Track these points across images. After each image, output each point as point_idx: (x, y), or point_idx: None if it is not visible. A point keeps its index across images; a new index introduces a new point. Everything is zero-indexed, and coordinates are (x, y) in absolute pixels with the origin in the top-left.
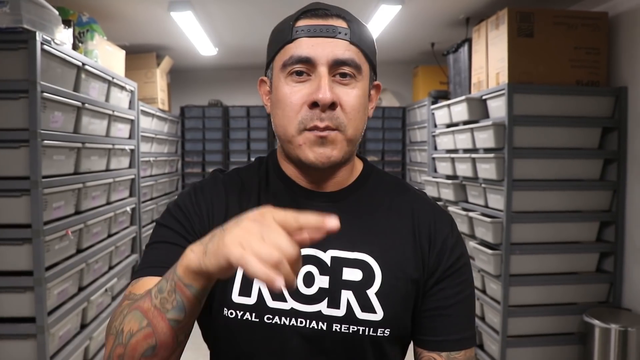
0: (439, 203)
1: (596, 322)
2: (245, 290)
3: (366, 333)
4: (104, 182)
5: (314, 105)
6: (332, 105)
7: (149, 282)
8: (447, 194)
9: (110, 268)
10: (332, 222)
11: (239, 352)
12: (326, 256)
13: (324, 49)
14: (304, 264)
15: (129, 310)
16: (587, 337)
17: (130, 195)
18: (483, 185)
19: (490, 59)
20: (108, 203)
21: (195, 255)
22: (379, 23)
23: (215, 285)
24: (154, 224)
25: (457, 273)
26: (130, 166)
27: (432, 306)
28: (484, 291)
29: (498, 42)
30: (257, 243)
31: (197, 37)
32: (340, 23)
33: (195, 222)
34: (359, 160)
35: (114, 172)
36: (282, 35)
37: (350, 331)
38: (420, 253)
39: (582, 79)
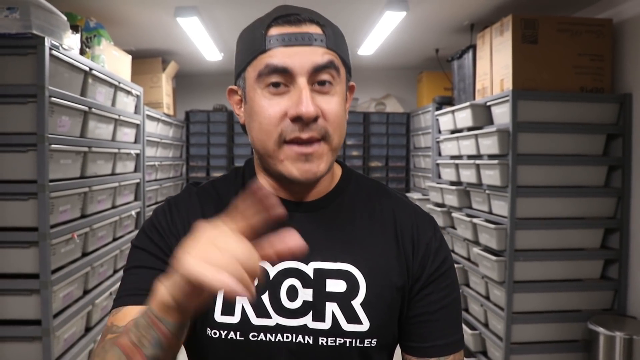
0: (443, 209)
1: (601, 329)
2: (228, 309)
3: (353, 345)
4: (110, 186)
5: (296, 119)
6: (315, 118)
7: (130, 312)
8: (451, 200)
9: (115, 272)
10: (293, 238)
11: None
12: (308, 268)
13: (301, 58)
14: (286, 278)
15: (110, 346)
16: (592, 344)
17: (136, 199)
18: (487, 191)
19: (494, 65)
20: (113, 207)
21: (165, 288)
22: (384, 29)
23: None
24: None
25: (442, 277)
26: (136, 170)
27: (419, 312)
28: (487, 297)
29: (502, 48)
30: (213, 253)
31: (202, 42)
32: (314, 29)
33: (172, 241)
34: (337, 165)
35: (120, 176)
36: (254, 44)
37: (337, 343)
38: (404, 259)
39: (586, 85)
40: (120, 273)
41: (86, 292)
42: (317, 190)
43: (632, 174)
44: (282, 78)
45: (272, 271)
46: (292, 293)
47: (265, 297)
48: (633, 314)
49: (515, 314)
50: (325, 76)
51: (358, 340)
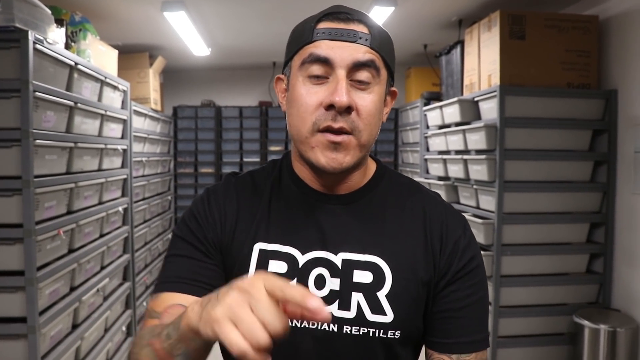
0: None
1: (586, 322)
2: None
3: (376, 335)
4: (96, 182)
5: (330, 107)
6: (348, 109)
7: (167, 298)
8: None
9: (102, 268)
10: (314, 303)
11: None
12: (337, 259)
13: (343, 52)
14: (315, 267)
15: (146, 343)
16: (577, 337)
17: (123, 195)
18: (475, 186)
19: (482, 61)
20: (100, 203)
21: (194, 315)
22: None
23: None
24: (165, 229)
25: (469, 275)
26: (123, 166)
27: (444, 308)
28: None
29: (490, 44)
30: (246, 316)
31: (190, 37)
32: (361, 28)
33: (209, 230)
34: (372, 161)
35: (106, 172)
36: (303, 35)
37: (361, 333)
38: (431, 254)
39: (572, 81)
40: (108, 269)
41: (73, 288)
42: (350, 184)
43: (617, 169)
44: (322, 69)
45: (302, 260)
46: (320, 281)
47: (293, 284)
48: (617, 307)
49: (502, 308)
50: (364, 74)
51: (382, 331)
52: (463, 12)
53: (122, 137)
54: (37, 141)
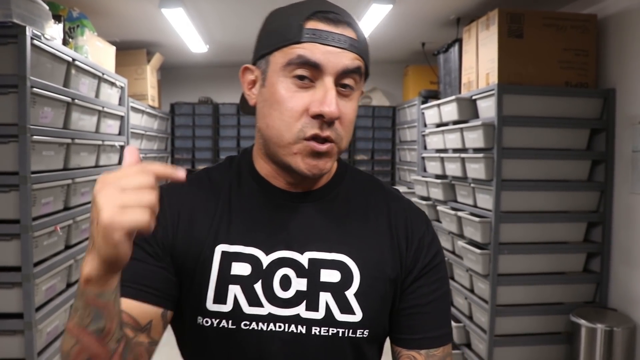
0: (428, 202)
1: (582, 321)
2: (220, 298)
3: (346, 335)
4: (94, 179)
5: (318, 117)
6: (335, 119)
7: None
8: (436, 193)
9: None
10: (179, 173)
11: (214, 357)
12: (303, 258)
13: (334, 58)
14: (280, 267)
15: (65, 332)
16: (574, 336)
17: None
18: (472, 185)
19: (480, 59)
20: None
21: (88, 264)
22: (370, 22)
23: (188, 293)
24: None
25: (434, 270)
26: (120, 163)
27: (410, 304)
28: (472, 290)
29: (488, 42)
30: (122, 197)
31: (187, 34)
32: (350, 33)
33: (159, 231)
34: None
35: (104, 168)
36: (288, 32)
37: (330, 333)
38: (397, 252)
39: (571, 80)
40: None
41: (69, 285)
42: (315, 183)
43: (615, 168)
44: (310, 73)
45: (266, 260)
46: (286, 282)
47: (258, 286)
48: (614, 307)
49: (499, 307)
50: (350, 80)
51: (351, 331)
52: (461, 10)
53: (120, 134)
54: (34, 137)
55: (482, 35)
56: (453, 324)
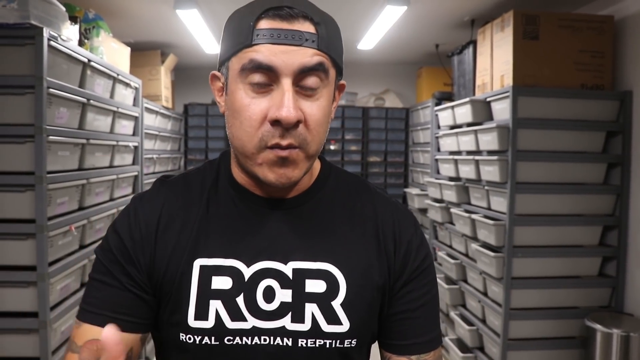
0: (442, 205)
1: (598, 326)
2: (202, 314)
3: (333, 345)
4: (108, 179)
5: (276, 122)
6: (296, 123)
7: (87, 331)
8: (450, 195)
9: None
10: None
11: None
12: (287, 268)
13: (288, 58)
14: (262, 278)
15: None
16: (589, 341)
17: (134, 192)
18: (486, 187)
19: (495, 61)
20: (111, 199)
21: None
22: (384, 24)
23: (167, 309)
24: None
25: (423, 274)
26: (134, 163)
27: (400, 309)
28: (485, 294)
29: (503, 44)
30: None
31: (202, 35)
32: (307, 27)
33: (134, 249)
34: (317, 160)
35: (118, 168)
36: (240, 35)
37: (317, 345)
38: (385, 257)
39: (586, 82)
40: None
41: (83, 284)
42: (296, 188)
43: (632, 171)
44: (265, 77)
45: (248, 272)
46: (269, 294)
47: (240, 300)
48: (630, 311)
49: (513, 310)
50: (311, 80)
51: (338, 341)
52: (476, 11)
53: (134, 134)
54: (50, 137)
55: (496, 37)
56: (466, 327)
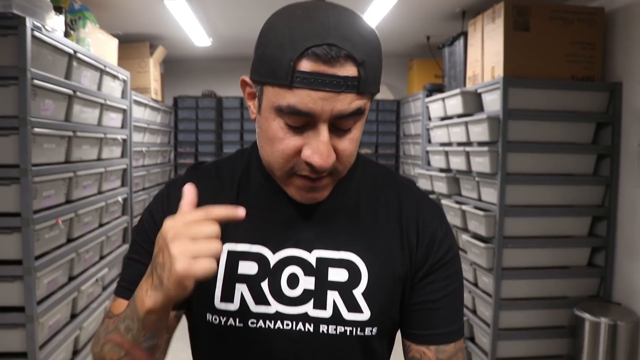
0: (432, 196)
1: (586, 315)
2: (228, 296)
3: (354, 333)
4: (96, 172)
5: (309, 163)
6: None
7: (124, 304)
8: (441, 187)
9: (102, 258)
10: (240, 212)
11: (222, 354)
12: (311, 257)
13: (327, 104)
14: (287, 265)
15: (105, 340)
16: (577, 330)
17: (122, 185)
18: (477, 178)
19: (485, 52)
20: (99, 193)
21: (151, 298)
22: (375, 15)
23: (196, 291)
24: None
25: (446, 266)
26: (123, 156)
27: (421, 300)
28: (475, 284)
29: (494, 35)
30: (197, 245)
31: (191, 27)
32: (349, 70)
33: None
34: None
35: (106, 161)
36: (279, 68)
37: (338, 332)
38: (407, 248)
39: (577, 73)
40: (107, 259)
41: (71, 278)
42: None
43: (621, 162)
44: (302, 120)
45: (273, 259)
46: (293, 281)
47: (264, 285)
48: (618, 301)
49: (503, 300)
50: (348, 122)
51: (359, 329)
52: (467, 3)
53: (122, 127)
54: (36, 129)
55: (487, 29)
56: None
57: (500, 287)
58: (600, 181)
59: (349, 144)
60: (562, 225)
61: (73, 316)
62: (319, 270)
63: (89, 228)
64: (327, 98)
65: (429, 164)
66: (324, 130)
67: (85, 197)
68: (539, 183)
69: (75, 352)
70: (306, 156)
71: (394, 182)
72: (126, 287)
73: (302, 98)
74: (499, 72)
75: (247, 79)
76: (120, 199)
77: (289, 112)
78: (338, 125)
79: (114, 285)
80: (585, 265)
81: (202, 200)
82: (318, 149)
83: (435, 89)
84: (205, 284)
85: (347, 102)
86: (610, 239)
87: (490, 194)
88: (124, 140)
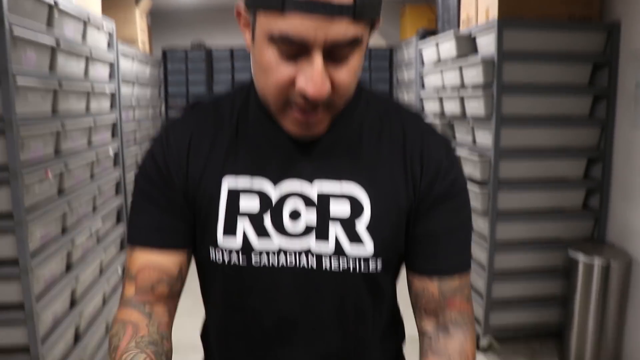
0: None
1: (580, 256)
2: (230, 229)
3: (357, 267)
4: (84, 125)
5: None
6: None
7: (139, 257)
8: None
9: (94, 211)
10: None
11: (228, 294)
12: (312, 188)
13: (320, 31)
14: (289, 198)
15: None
16: (571, 271)
17: (113, 138)
18: (471, 123)
19: None
20: (89, 146)
21: None
22: None
23: (198, 226)
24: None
25: (452, 198)
26: (112, 109)
27: (424, 232)
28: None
29: None
30: None
31: None
32: None
33: (170, 171)
34: None
35: (95, 114)
36: None
37: (340, 265)
38: (411, 180)
39: (574, 13)
40: (100, 213)
41: (65, 231)
42: None
43: (617, 104)
44: (295, 48)
45: (274, 191)
46: (295, 214)
47: (267, 219)
48: (611, 241)
49: (499, 244)
50: (344, 52)
51: (362, 262)
52: None
53: (110, 79)
54: (20, 82)
55: None
56: None
57: (495, 230)
58: (596, 123)
59: (346, 74)
60: (558, 168)
61: (68, 269)
62: (320, 203)
63: (80, 180)
64: (320, 24)
65: (423, 110)
66: (317, 59)
67: (75, 152)
68: (535, 126)
69: (73, 303)
70: (300, 86)
71: (399, 115)
72: (138, 233)
73: (294, 24)
74: (494, 13)
75: (241, 6)
76: (111, 152)
77: (281, 40)
78: (334, 54)
79: (109, 239)
80: (580, 207)
81: (203, 135)
82: (312, 78)
83: (428, 33)
84: (207, 220)
85: (343, 28)
86: (605, 181)
87: (485, 138)
88: (112, 94)
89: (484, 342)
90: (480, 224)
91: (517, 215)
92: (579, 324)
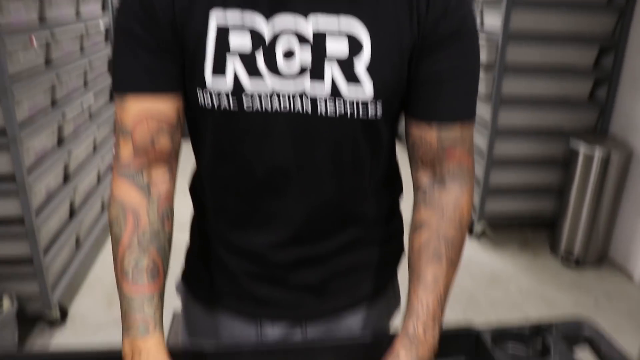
0: None
1: (581, 147)
2: (219, 68)
3: (355, 112)
4: None
5: None
6: None
7: (132, 105)
8: None
9: (85, 85)
10: None
11: (218, 142)
12: (307, 23)
13: None
14: (282, 35)
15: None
16: (570, 162)
17: (103, 11)
18: (481, 5)
19: None
20: (77, 17)
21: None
22: None
23: (187, 66)
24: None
25: (458, 39)
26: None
27: (426, 74)
28: None
29: None
30: None
31: None
32: None
33: (154, 2)
34: None
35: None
36: None
37: (337, 110)
38: (416, 16)
39: None
40: (93, 89)
41: (55, 102)
42: None
43: None
44: None
45: (266, 27)
46: (289, 53)
47: (259, 58)
48: (614, 133)
49: (500, 131)
50: None
51: (360, 106)
52: None
53: None
54: None
55: None
56: None
57: (497, 117)
58: (614, 9)
59: None
60: (567, 55)
61: (60, 142)
62: (315, 39)
63: (68, 52)
64: None
65: None
66: None
67: (62, 23)
68: (547, 8)
69: (66, 178)
70: None
71: None
72: (128, 77)
73: None
74: None
75: None
76: (102, 27)
77: None
78: None
79: (103, 117)
80: (586, 98)
81: None
82: None
83: None
84: (195, 59)
85: None
86: (615, 71)
87: (493, 19)
88: None
89: (477, 228)
90: (482, 110)
91: (520, 103)
92: (573, 215)
